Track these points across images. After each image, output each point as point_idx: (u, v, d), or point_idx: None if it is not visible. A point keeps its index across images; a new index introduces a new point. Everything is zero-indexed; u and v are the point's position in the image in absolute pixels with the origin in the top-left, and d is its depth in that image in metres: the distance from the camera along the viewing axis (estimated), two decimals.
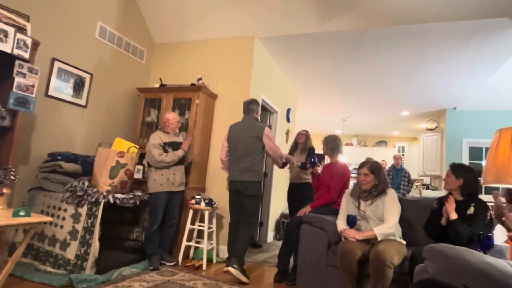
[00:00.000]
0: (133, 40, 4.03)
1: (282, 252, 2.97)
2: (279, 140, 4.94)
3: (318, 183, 3.17)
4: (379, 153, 8.96)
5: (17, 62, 2.33)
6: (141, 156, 3.33)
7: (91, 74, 3.46)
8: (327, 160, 3.43)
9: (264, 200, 4.63)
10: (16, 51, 2.30)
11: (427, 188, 6.86)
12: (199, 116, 3.60)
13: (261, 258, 3.67)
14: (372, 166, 2.45)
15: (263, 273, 3.14)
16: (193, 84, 3.70)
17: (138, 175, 3.48)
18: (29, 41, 2.39)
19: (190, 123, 3.60)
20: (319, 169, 3.18)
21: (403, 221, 2.40)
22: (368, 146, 9.78)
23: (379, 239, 2.18)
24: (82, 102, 3.39)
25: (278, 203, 5.02)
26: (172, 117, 3.17)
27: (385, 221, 2.27)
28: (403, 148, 8.88)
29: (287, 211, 5.30)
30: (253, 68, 3.84)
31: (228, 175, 3.06)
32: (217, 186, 3.72)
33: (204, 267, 3.05)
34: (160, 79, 4.04)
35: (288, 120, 5.29)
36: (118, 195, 2.73)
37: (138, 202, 2.94)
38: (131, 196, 2.86)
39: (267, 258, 3.70)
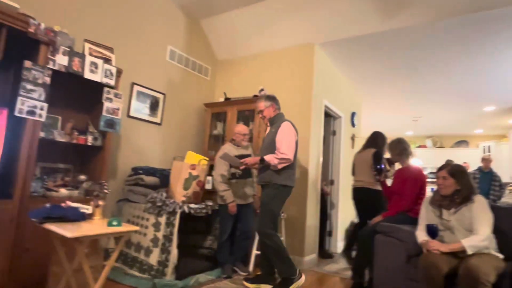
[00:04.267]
0: (199, 59, 4.31)
1: (356, 264, 2.84)
2: (344, 146, 4.78)
3: (390, 191, 2.97)
4: (459, 155, 8.05)
5: (105, 89, 2.67)
6: (211, 168, 3.50)
7: (164, 94, 3.78)
8: (396, 166, 3.23)
9: (332, 208, 4.50)
10: (104, 80, 2.64)
11: None
12: (262, 126, 3.67)
13: (333, 269, 3.55)
14: (452, 169, 2.23)
15: (336, 285, 3.03)
16: (255, 96, 3.79)
17: (208, 186, 3.66)
18: (114, 70, 2.72)
19: (254, 133, 3.68)
20: (389, 174, 3.00)
21: (496, 231, 2.11)
22: (446, 147, 8.88)
23: (469, 252, 1.94)
24: (158, 120, 3.72)
25: (346, 211, 4.83)
26: (237, 130, 3.20)
27: (475, 232, 2.02)
28: (489, 147, 7.86)
29: (356, 220, 5.07)
30: (314, 75, 3.80)
31: (291, 180, 2.73)
32: None
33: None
34: (225, 93, 4.23)
35: (353, 124, 5.10)
36: (192, 205, 2.90)
37: (210, 212, 3.09)
38: (203, 206, 3.02)
39: (339, 269, 3.56)
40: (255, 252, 3.23)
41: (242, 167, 2.77)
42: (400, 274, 2.33)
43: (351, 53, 4.06)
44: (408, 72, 4.55)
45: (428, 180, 3.05)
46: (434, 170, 8.44)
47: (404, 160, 2.94)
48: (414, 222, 2.44)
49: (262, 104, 2.86)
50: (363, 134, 6.03)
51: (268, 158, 2.59)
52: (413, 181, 2.78)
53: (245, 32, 4.14)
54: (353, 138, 5.11)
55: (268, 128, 2.89)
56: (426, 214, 2.32)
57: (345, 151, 4.75)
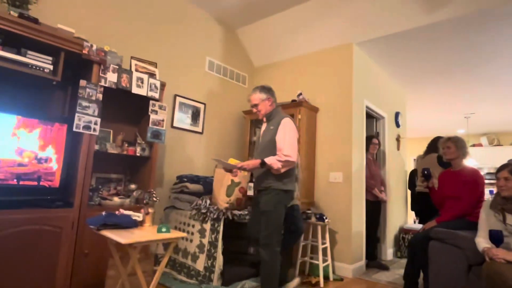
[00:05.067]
0: (236, 68, 4.39)
1: (407, 273, 2.68)
2: (389, 148, 4.57)
3: (441, 196, 2.78)
4: None
5: (150, 102, 2.82)
6: (253, 174, 3.52)
7: (204, 104, 3.90)
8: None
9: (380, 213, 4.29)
10: (150, 93, 2.78)
11: None
12: (302, 130, 3.63)
13: (384, 278, 3.38)
14: None
15: None
16: (293, 100, 3.77)
17: (250, 192, 3.68)
18: (158, 84, 2.86)
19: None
20: (435, 181, 2.83)
21: None
22: (504, 145, 8.11)
23: None
24: (199, 129, 3.83)
25: (395, 217, 4.59)
26: None
27: None
28: None
29: (406, 226, 4.80)
30: (354, 75, 3.69)
31: (292, 184, 2.45)
32: (325, 201, 3.63)
33: (321, 284, 2.98)
34: None
35: (397, 125, 4.86)
36: (235, 212, 2.94)
37: None
38: (246, 212, 3.04)
39: (390, 278, 3.37)
40: (299, 259, 3.20)
41: (234, 170, 2.42)
42: (460, 284, 2.15)
43: (392, 50, 3.89)
44: (456, 66, 4.25)
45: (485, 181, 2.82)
46: (492, 171, 7.74)
47: (460, 162, 2.76)
48: (473, 227, 2.25)
49: (256, 97, 2.47)
50: (409, 135, 5.72)
51: (270, 161, 2.27)
52: (473, 184, 2.61)
53: (281, 37, 4.15)
54: (398, 139, 4.87)
55: (264, 125, 2.57)
56: (486, 219, 2.13)
57: (390, 153, 4.54)
